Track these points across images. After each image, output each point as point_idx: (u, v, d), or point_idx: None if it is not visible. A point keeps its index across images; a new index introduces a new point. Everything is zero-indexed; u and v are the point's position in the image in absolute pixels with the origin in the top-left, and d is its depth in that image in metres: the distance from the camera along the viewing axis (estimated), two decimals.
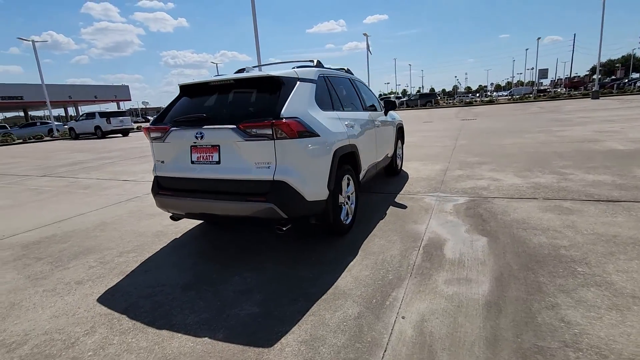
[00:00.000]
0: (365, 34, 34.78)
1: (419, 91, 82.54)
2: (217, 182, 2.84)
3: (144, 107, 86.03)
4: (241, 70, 3.82)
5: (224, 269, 2.88)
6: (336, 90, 3.68)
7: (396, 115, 5.74)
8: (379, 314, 2.13)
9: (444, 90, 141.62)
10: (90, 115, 24.08)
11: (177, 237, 3.67)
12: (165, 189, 3.11)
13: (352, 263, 2.82)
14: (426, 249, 2.97)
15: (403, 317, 2.09)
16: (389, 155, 5.14)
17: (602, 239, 2.89)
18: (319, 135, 2.89)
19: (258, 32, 17.34)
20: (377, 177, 5.70)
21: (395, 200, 4.44)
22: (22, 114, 55.42)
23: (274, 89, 2.87)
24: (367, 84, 5.23)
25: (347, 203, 3.41)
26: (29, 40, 27.24)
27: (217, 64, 47.21)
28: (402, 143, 6.10)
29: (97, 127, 23.06)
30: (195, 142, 2.86)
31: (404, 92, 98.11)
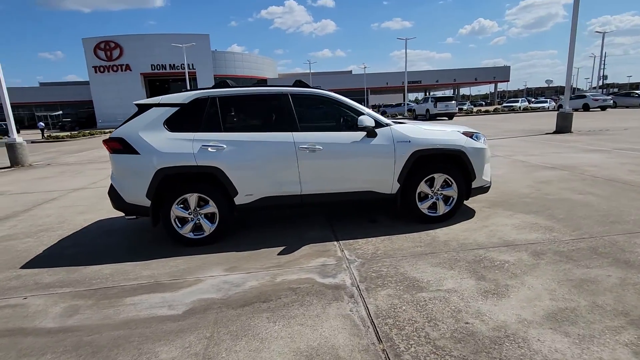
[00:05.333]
0: None
1: None
2: None
3: (547, 85, 76.17)
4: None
5: (143, 232, 4.12)
6: (220, 112, 3.59)
7: (416, 136, 3.74)
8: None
9: None
10: (425, 100, 28.81)
11: None
12: None
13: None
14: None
15: None
16: (374, 190, 3.75)
17: None
18: (139, 154, 3.39)
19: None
20: (393, 218, 4.16)
21: (305, 245, 3.49)
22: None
23: (136, 112, 3.60)
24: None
25: (193, 219, 3.53)
26: (402, 39, 38.47)
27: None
28: (458, 179, 3.85)
29: (427, 110, 26.13)
30: None
31: None
